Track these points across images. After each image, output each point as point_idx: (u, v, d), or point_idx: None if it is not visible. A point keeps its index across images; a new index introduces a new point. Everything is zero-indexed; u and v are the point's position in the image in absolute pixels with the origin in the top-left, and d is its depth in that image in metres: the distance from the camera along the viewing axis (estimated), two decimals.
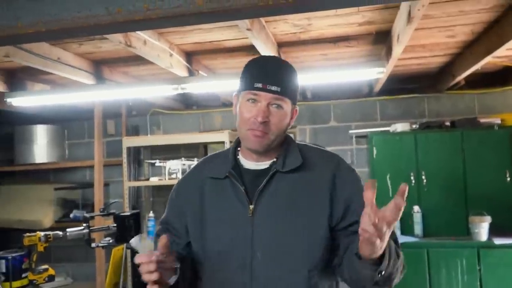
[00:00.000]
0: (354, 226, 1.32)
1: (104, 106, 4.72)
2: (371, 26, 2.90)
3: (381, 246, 1.15)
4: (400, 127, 4.39)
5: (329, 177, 1.38)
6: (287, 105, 1.38)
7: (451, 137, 4.26)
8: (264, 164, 1.42)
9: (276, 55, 3.16)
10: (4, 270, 5.01)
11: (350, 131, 4.80)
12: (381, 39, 3.20)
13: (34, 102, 3.72)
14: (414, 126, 4.42)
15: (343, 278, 1.38)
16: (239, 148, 1.48)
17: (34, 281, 2.68)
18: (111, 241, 2.84)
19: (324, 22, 2.77)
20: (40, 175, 5.42)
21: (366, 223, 1.12)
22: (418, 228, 4.16)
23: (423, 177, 4.24)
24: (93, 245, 2.83)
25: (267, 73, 1.36)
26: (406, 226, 4.22)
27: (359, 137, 4.79)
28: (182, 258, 1.38)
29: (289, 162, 1.39)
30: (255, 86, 1.34)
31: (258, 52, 2.91)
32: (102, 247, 2.90)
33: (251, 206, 1.36)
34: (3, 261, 5.06)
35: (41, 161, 5.08)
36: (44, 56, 2.85)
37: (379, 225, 1.11)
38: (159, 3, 1.50)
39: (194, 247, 1.43)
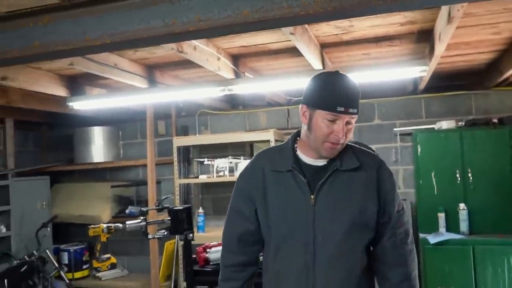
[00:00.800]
0: (385, 223, 1.67)
1: (155, 108, 4.98)
2: (413, 25, 2.96)
3: None
4: (446, 124, 4.39)
5: (375, 175, 1.66)
6: (355, 119, 1.65)
7: (498, 134, 4.22)
8: (321, 162, 1.68)
9: (319, 55, 3.28)
10: (66, 261, 5.44)
11: (395, 129, 4.83)
12: (424, 38, 3.25)
13: (92, 106, 4.01)
14: (460, 123, 4.40)
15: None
16: (296, 145, 1.71)
17: (99, 268, 2.91)
18: (165, 233, 3.05)
19: (365, 23, 2.86)
20: (97, 173, 5.77)
21: None
22: (464, 226, 4.15)
23: (469, 174, 4.22)
24: (149, 236, 3.04)
25: (347, 97, 1.59)
26: (452, 224, 4.21)
27: (403, 135, 4.81)
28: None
29: (347, 162, 1.65)
30: (338, 109, 1.57)
31: (301, 54, 3.03)
32: (158, 238, 3.11)
33: (313, 196, 1.61)
34: (66, 253, 5.49)
35: (98, 161, 5.42)
36: (103, 63, 3.10)
37: None
38: (210, 15, 1.66)
39: (261, 224, 1.71)
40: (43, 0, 1.86)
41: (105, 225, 2.90)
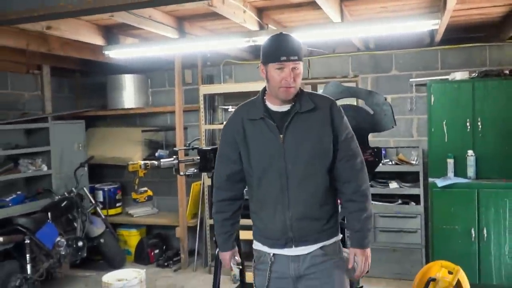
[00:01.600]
0: (337, 150, 2.11)
1: (182, 58, 5.26)
2: None
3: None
4: (459, 75, 4.58)
5: (328, 112, 2.10)
6: (301, 66, 2.04)
7: (509, 84, 4.39)
8: (285, 107, 2.10)
9: (338, 8, 3.49)
10: (101, 199, 5.94)
11: (411, 80, 5.04)
12: None
13: (126, 54, 4.32)
14: (473, 74, 4.58)
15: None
16: (265, 97, 2.14)
17: (137, 200, 3.30)
18: (195, 170, 3.41)
19: None
20: (128, 119, 6.17)
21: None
22: (471, 171, 4.44)
23: (479, 123, 4.45)
24: (181, 173, 3.41)
25: (288, 49, 2.00)
26: (460, 169, 4.50)
27: (419, 85, 5.02)
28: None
29: (304, 105, 2.08)
30: (281, 59, 1.99)
31: (320, 7, 3.24)
32: (188, 175, 3.48)
33: (281, 136, 2.05)
34: (101, 192, 5.99)
35: (129, 107, 5.78)
36: (139, 14, 3.37)
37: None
38: None
39: (244, 164, 2.16)
40: None
41: (142, 162, 3.27)
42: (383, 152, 5.13)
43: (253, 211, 2.23)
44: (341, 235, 2.29)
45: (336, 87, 3.32)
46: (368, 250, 2.16)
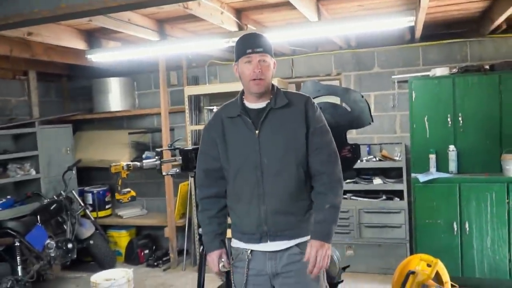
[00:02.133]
0: (310, 144, 2.15)
1: (167, 60, 5.30)
2: None
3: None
4: (439, 71, 4.64)
5: (303, 108, 2.16)
6: (269, 59, 2.13)
7: (489, 80, 4.46)
8: (261, 104, 2.17)
9: (315, 8, 3.54)
10: (91, 202, 5.97)
11: (393, 77, 5.10)
12: None
13: (109, 58, 4.36)
14: (453, 70, 4.65)
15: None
16: (243, 96, 2.23)
17: (120, 200, 3.35)
18: (177, 170, 3.46)
19: None
20: (115, 122, 6.21)
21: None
22: (453, 166, 4.50)
23: (460, 118, 4.51)
24: (163, 173, 3.46)
25: (252, 42, 2.12)
26: (442, 164, 4.56)
27: (401, 82, 5.08)
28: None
29: (279, 102, 2.16)
30: (247, 52, 2.10)
31: (295, 8, 3.30)
32: (171, 175, 3.53)
33: (257, 131, 2.13)
34: (90, 194, 6.02)
35: (115, 109, 5.82)
36: (117, 18, 3.42)
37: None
38: None
39: (222, 161, 2.21)
40: None
41: (124, 163, 3.32)
42: (367, 149, 5.20)
43: (230, 207, 2.27)
44: None
45: (314, 85, 3.37)
46: (327, 245, 2.07)
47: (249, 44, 2.11)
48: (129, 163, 3.32)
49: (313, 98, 2.30)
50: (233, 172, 2.18)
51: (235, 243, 2.27)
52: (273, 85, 2.22)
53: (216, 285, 3.74)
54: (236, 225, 2.25)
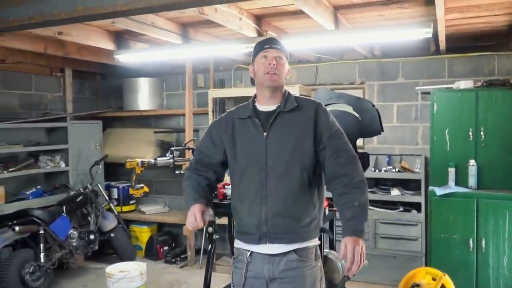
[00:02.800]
0: (323, 149, 2.15)
1: (195, 62, 5.46)
2: None
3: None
4: (463, 84, 4.57)
5: (313, 114, 2.16)
6: (285, 59, 2.19)
7: None
8: (271, 107, 2.20)
9: (332, 17, 3.59)
10: (116, 196, 6.19)
11: (416, 88, 5.05)
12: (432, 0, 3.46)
13: (135, 59, 4.54)
14: (478, 83, 4.56)
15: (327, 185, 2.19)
16: (255, 99, 2.27)
17: (134, 195, 3.49)
18: None
19: None
20: (143, 120, 6.42)
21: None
22: (472, 181, 4.41)
23: (482, 133, 4.42)
24: (176, 172, 3.58)
25: (269, 41, 2.22)
26: (462, 179, 4.47)
27: (425, 93, 5.03)
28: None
29: (288, 105, 2.18)
30: (265, 47, 2.18)
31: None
32: (183, 173, 3.64)
33: (265, 133, 2.16)
34: (115, 189, 6.24)
35: (144, 109, 6.03)
36: (141, 21, 3.57)
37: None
38: None
39: (229, 160, 2.25)
40: None
41: (139, 160, 3.46)
42: (387, 159, 5.17)
43: (233, 207, 2.28)
44: (319, 241, 2.29)
45: (326, 93, 3.43)
46: (362, 241, 1.99)
47: (267, 42, 2.20)
48: (143, 160, 3.47)
49: (325, 106, 2.30)
50: (239, 172, 2.21)
51: (237, 243, 2.30)
52: (285, 90, 2.25)
53: (222, 286, 3.83)
54: (238, 224, 2.28)
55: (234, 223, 2.35)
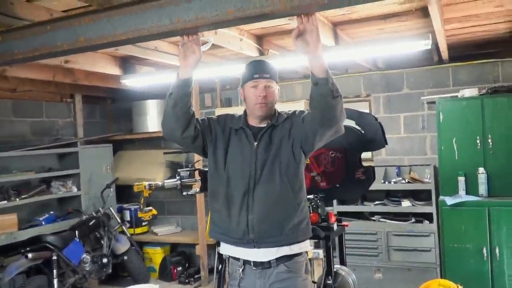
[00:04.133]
0: (301, 123, 2.20)
1: (202, 82, 5.54)
2: (411, 3, 3.23)
3: (312, 40, 1.95)
4: (468, 92, 4.57)
5: (290, 120, 2.26)
6: (274, 85, 2.27)
7: None
8: (263, 124, 2.29)
9: (331, 33, 3.63)
10: (128, 218, 6.23)
11: (422, 98, 5.05)
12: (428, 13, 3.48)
13: (142, 82, 4.63)
14: (483, 91, 4.55)
15: (320, 124, 2.10)
16: (247, 117, 2.33)
17: (142, 218, 3.53)
18: (197, 190, 3.61)
19: (366, 4, 3.16)
20: (153, 142, 6.49)
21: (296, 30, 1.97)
22: (482, 189, 4.38)
23: (489, 140, 4.40)
24: (184, 193, 3.62)
25: (260, 68, 2.26)
26: (472, 187, 4.45)
27: (430, 103, 5.03)
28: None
29: (280, 119, 2.28)
30: (254, 77, 2.23)
31: None
32: (191, 194, 3.68)
33: (255, 143, 2.25)
34: (128, 211, 6.28)
35: (153, 130, 6.10)
36: (144, 47, 3.65)
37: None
38: (204, 13, 2.11)
39: (218, 165, 2.28)
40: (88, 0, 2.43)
41: (146, 183, 3.51)
42: (396, 170, 5.15)
43: (218, 211, 2.29)
44: (310, 248, 2.38)
45: None
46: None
47: (256, 70, 2.24)
48: (151, 182, 3.51)
49: None
50: (226, 178, 2.25)
51: (224, 249, 2.35)
52: (275, 110, 2.33)
53: None
54: (223, 229, 2.29)
55: (212, 221, 2.37)
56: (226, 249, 2.34)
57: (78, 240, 5.04)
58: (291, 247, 2.23)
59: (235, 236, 2.24)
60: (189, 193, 3.64)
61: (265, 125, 2.28)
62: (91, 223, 5.30)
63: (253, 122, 2.31)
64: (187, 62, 2.21)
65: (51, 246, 4.73)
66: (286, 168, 2.22)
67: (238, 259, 2.28)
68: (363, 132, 3.34)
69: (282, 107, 5.26)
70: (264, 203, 2.19)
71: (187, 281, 5.67)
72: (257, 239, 2.19)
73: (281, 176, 2.21)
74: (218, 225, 2.32)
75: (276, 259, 2.21)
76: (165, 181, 3.58)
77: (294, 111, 2.33)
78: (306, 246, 2.33)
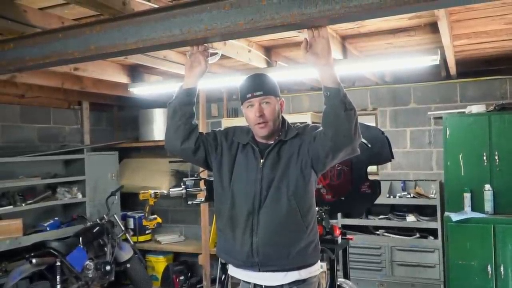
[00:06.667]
0: (312, 141, 2.09)
1: (209, 92, 5.55)
2: (420, 19, 3.25)
3: (323, 52, 1.94)
4: (475, 108, 4.56)
5: (300, 136, 2.16)
6: (272, 100, 2.16)
7: None
8: (271, 141, 2.20)
9: (339, 46, 3.64)
10: (132, 226, 6.23)
11: (429, 113, 5.05)
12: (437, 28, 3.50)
13: (149, 91, 4.66)
14: (490, 108, 4.55)
15: (332, 142, 2.01)
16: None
17: (147, 226, 3.52)
18: (202, 199, 3.60)
19: (375, 19, 3.18)
20: (158, 150, 6.49)
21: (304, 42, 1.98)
22: (488, 206, 4.35)
23: (496, 157, 4.39)
24: (189, 202, 3.61)
25: (251, 86, 2.17)
26: (477, 204, 4.42)
27: (437, 118, 5.02)
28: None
29: (289, 133, 2.18)
30: (247, 97, 2.15)
31: None
32: (196, 204, 3.68)
33: (262, 161, 2.17)
34: (132, 219, 6.28)
35: (159, 139, 6.12)
36: (153, 56, 3.68)
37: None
38: (214, 25, 2.13)
39: (224, 182, 2.22)
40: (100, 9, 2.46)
41: (152, 191, 3.51)
42: (402, 185, 5.13)
43: (222, 230, 2.25)
44: (320, 270, 2.28)
45: None
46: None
47: (249, 88, 2.15)
48: (156, 191, 3.52)
49: None
50: (231, 197, 2.18)
51: (233, 271, 2.29)
52: (284, 120, 2.25)
53: None
54: (227, 250, 2.25)
55: (218, 238, 2.34)
56: (233, 271, 2.28)
57: (81, 246, 5.05)
58: (300, 272, 2.14)
59: (239, 258, 2.18)
60: (194, 202, 3.64)
61: (273, 141, 2.19)
62: (95, 230, 5.30)
63: (260, 138, 2.23)
64: (192, 72, 2.24)
65: (55, 252, 4.73)
66: (294, 188, 2.11)
67: (248, 283, 2.21)
68: (369, 145, 3.33)
69: (289, 119, 5.29)
70: (270, 225, 2.10)
71: None
72: (262, 263, 2.12)
73: (288, 197, 2.10)
74: (223, 245, 2.27)
75: (289, 284, 2.14)
76: (171, 189, 3.58)
77: (306, 125, 2.24)
78: (316, 270, 2.23)
